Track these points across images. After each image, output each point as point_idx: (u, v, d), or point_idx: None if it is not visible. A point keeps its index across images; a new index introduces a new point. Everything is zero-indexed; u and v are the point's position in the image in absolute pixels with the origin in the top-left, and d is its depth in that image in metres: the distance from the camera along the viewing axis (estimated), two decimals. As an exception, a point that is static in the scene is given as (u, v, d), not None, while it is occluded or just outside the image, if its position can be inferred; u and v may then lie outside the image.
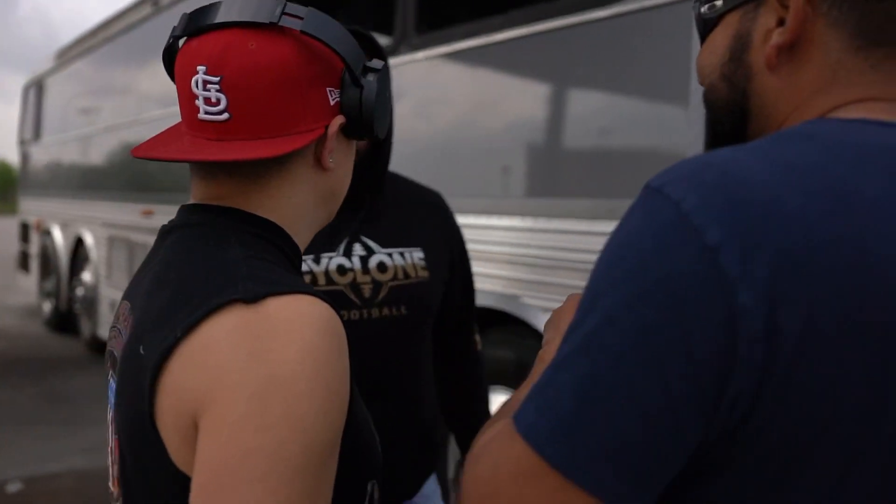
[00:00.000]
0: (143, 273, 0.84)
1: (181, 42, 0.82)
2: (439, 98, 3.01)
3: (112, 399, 0.81)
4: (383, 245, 1.47)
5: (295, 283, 0.76)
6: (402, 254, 1.48)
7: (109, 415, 0.81)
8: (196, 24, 0.79)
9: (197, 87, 0.78)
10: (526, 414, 0.56)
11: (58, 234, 7.44)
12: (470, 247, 1.69)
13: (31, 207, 8.58)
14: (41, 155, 8.45)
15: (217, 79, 0.77)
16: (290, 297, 0.72)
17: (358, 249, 1.45)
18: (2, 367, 6.44)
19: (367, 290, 1.43)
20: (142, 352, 0.74)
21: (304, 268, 1.41)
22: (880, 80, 0.61)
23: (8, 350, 7.16)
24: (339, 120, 0.83)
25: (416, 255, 1.49)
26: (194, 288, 0.74)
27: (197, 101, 0.79)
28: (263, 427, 0.66)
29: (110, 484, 0.82)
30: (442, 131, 2.99)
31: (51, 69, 8.10)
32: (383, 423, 1.41)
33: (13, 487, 3.87)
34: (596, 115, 2.36)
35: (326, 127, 0.82)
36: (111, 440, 0.81)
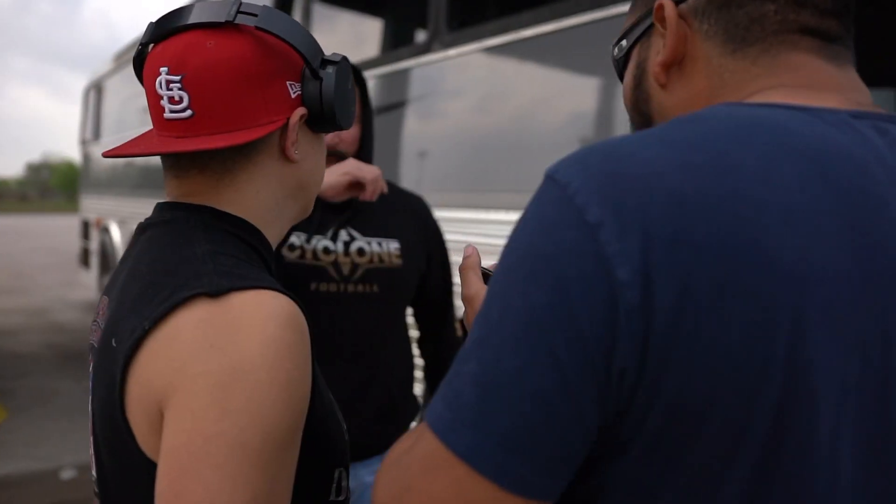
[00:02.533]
0: (120, 269, 0.87)
1: (149, 49, 0.86)
2: (475, 94, 3.03)
3: (91, 390, 0.84)
4: (364, 234, 1.76)
5: (259, 277, 0.78)
6: (379, 243, 1.77)
7: (90, 405, 0.85)
8: (160, 30, 0.84)
9: (161, 87, 0.82)
10: (434, 407, 0.57)
11: (116, 231, 7.67)
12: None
13: (92, 205, 8.87)
14: (100, 154, 8.70)
15: (179, 77, 0.81)
16: (254, 291, 0.75)
17: (343, 236, 1.75)
18: (63, 360, 6.69)
19: (345, 269, 1.73)
20: (114, 344, 0.77)
21: (297, 242, 1.72)
22: (764, 72, 0.64)
23: (69, 343, 7.42)
24: (300, 111, 0.86)
25: (393, 245, 1.78)
26: (163, 282, 0.77)
27: (162, 102, 0.82)
28: (224, 415, 0.69)
29: (92, 470, 0.86)
30: (484, 127, 3.00)
31: (109, 71, 8.35)
32: (348, 381, 1.70)
33: (67, 474, 4.03)
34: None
35: (288, 119, 0.85)
36: (90, 428, 0.84)
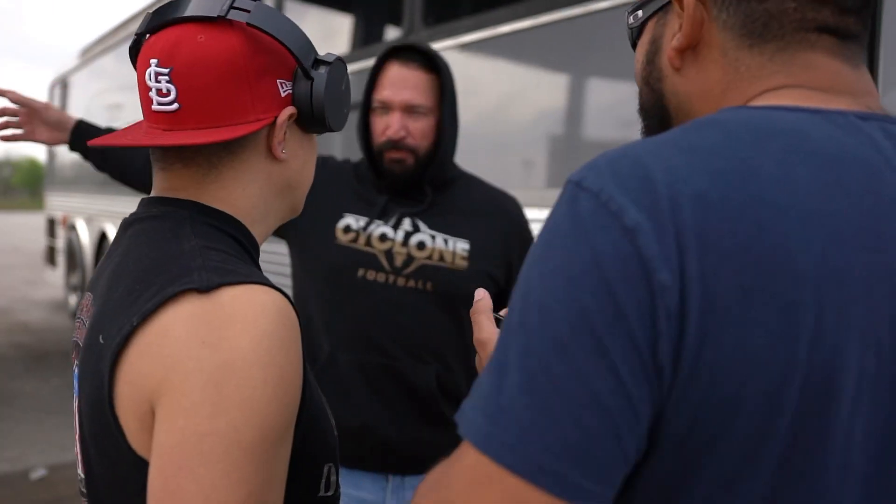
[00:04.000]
0: (105, 265, 0.86)
1: (145, 39, 0.86)
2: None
3: (76, 387, 0.83)
4: (431, 228, 1.63)
5: (250, 273, 0.78)
6: (446, 240, 1.62)
7: (75, 403, 0.84)
8: (155, 21, 0.83)
9: (150, 79, 0.82)
10: (476, 425, 0.54)
11: (83, 229, 7.56)
12: None
13: (57, 203, 8.72)
14: (67, 151, 8.57)
15: (167, 70, 0.80)
16: (244, 286, 0.74)
17: (406, 225, 1.62)
18: (29, 360, 6.58)
19: (399, 260, 1.60)
20: (101, 340, 0.76)
21: (354, 226, 1.62)
22: (781, 70, 0.64)
23: (35, 343, 7.30)
24: (289, 110, 0.85)
25: (461, 245, 1.63)
26: (151, 278, 0.76)
27: (151, 93, 0.82)
28: (218, 412, 0.68)
29: (79, 469, 0.85)
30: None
31: (75, 67, 8.23)
32: (388, 380, 1.58)
33: (37, 474, 3.97)
34: (613, 106, 2.37)
35: (276, 117, 0.85)
36: (76, 427, 0.83)
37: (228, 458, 0.68)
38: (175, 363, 0.70)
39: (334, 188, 1.70)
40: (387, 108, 1.64)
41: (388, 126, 1.63)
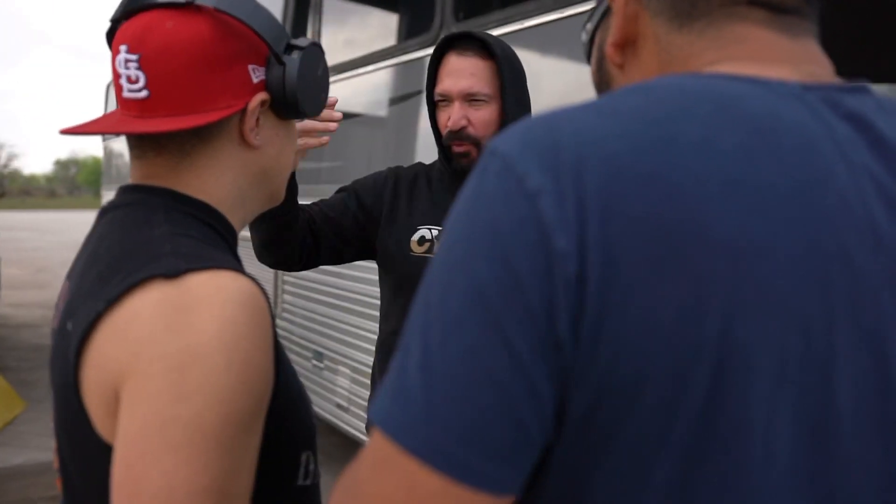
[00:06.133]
0: (82, 253, 0.86)
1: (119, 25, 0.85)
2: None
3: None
4: None
5: (220, 259, 0.77)
6: None
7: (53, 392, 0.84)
8: (128, 8, 0.83)
9: (120, 65, 0.81)
10: (381, 404, 0.53)
11: (135, 226, 7.72)
12: None
13: (113, 200, 8.96)
14: (121, 149, 8.82)
15: (136, 57, 0.80)
16: (212, 272, 0.73)
17: None
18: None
19: None
20: (69, 327, 0.76)
21: (428, 236, 1.61)
22: (711, 45, 0.62)
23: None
24: (261, 96, 0.84)
25: None
26: (120, 264, 0.76)
27: (121, 80, 0.82)
28: (181, 398, 0.67)
29: (55, 456, 0.85)
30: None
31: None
32: None
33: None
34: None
35: (247, 103, 0.84)
36: (55, 418, 0.83)
37: (191, 444, 0.67)
38: (139, 348, 0.69)
39: (406, 201, 1.69)
40: (447, 99, 1.59)
41: (449, 118, 1.58)
